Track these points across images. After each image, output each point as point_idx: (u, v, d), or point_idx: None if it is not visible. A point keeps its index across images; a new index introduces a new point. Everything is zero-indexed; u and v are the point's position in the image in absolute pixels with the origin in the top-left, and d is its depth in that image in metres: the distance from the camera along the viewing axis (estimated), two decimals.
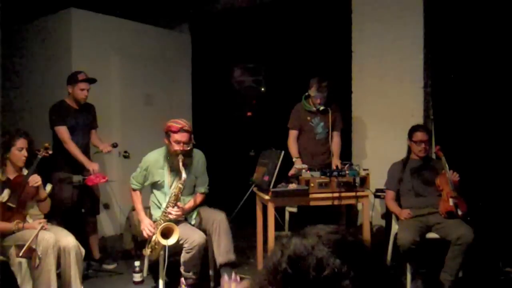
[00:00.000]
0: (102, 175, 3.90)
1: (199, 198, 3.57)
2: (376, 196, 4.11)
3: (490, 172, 3.85)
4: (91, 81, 4.05)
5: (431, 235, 3.39)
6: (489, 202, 3.78)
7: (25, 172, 3.27)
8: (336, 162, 3.97)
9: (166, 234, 3.20)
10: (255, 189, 3.68)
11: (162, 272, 3.37)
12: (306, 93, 4.17)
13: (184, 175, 3.25)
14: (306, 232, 0.82)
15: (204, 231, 3.44)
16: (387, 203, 3.74)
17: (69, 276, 3.06)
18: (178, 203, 3.32)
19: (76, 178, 3.89)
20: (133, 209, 3.67)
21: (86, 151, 4.07)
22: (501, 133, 3.88)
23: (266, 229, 3.40)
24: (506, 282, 3.48)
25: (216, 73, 5.83)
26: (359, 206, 3.95)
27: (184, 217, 3.45)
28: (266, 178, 3.38)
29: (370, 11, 4.60)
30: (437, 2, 4.21)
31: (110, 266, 4.11)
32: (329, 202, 3.41)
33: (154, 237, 3.29)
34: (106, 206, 4.86)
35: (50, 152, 3.41)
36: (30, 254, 2.91)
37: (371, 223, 3.98)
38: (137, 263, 3.71)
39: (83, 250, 3.22)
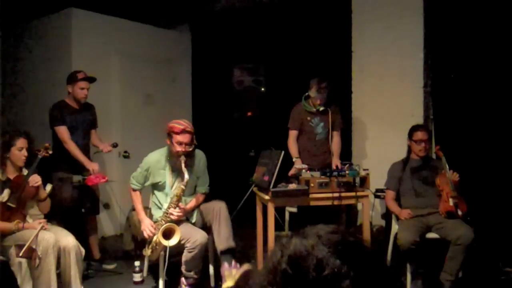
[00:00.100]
0: (102, 175, 3.90)
1: (200, 198, 3.58)
2: (376, 196, 4.11)
3: (490, 172, 3.85)
4: (91, 80, 4.04)
5: (431, 235, 3.39)
6: (489, 202, 3.78)
7: (25, 172, 3.27)
8: (336, 162, 3.97)
9: (167, 234, 3.21)
10: (255, 189, 3.68)
11: (162, 272, 3.37)
12: (306, 94, 4.17)
13: (186, 176, 3.25)
14: (306, 232, 0.82)
15: (206, 224, 3.47)
16: (387, 203, 3.74)
17: (69, 276, 3.07)
18: (180, 204, 3.32)
19: (76, 178, 3.88)
20: (133, 209, 3.67)
21: (86, 151, 4.07)
22: (501, 133, 3.88)
23: (266, 229, 3.40)
24: (506, 282, 3.48)
25: (216, 73, 5.84)
26: (359, 206, 3.95)
27: (185, 217, 3.45)
28: (266, 178, 3.38)
29: (370, 11, 4.60)
30: (437, 2, 4.21)
31: (110, 266, 4.11)
32: (329, 202, 3.41)
33: (155, 238, 3.29)
34: (106, 206, 4.85)
35: (50, 152, 3.41)
36: (30, 254, 2.91)
37: (371, 223, 3.98)
38: (137, 263, 3.71)
39: (83, 250, 3.22)
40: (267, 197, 3.33)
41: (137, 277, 3.70)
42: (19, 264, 2.97)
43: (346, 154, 4.49)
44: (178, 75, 6.05)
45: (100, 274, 3.96)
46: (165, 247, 3.20)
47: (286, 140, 4.23)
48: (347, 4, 4.71)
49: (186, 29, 6.20)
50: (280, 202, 3.50)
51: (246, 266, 1.44)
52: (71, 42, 4.91)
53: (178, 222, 3.30)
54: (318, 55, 4.89)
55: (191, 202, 3.49)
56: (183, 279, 3.33)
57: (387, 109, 4.50)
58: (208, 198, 3.67)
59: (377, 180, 3.86)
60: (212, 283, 3.61)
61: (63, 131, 3.91)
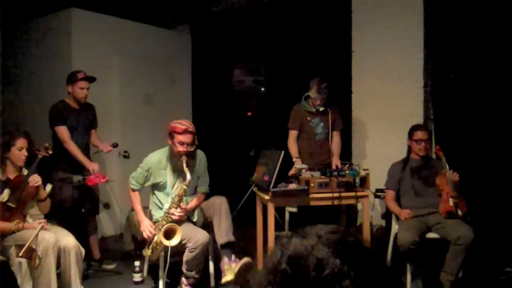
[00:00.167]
0: (102, 175, 3.90)
1: (200, 198, 3.58)
2: (376, 196, 4.11)
3: (490, 172, 3.85)
4: (91, 79, 4.04)
5: (431, 235, 3.39)
6: (489, 202, 3.78)
7: (25, 172, 3.27)
8: (336, 162, 3.97)
9: (168, 235, 3.21)
10: (255, 189, 3.68)
11: (162, 272, 3.37)
12: (306, 94, 4.17)
13: (188, 176, 3.25)
14: (306, 232, 0.81)
15: (207, 219, 3.48)
16: (387, 203, 3.74)
17: (69, 276, 3.07)
18: (181, 204, 3.32)
19: (76, 178, 3.88)
20: (133, 209, 3.67)
21: (86, 151, 4.07)
22: (501, 133, 3.88)
23: (266, 229, 3.40)
24: (506, 282, 3.48)
25: (216, 73, 5.83)
26: (359, 206, 3.95)
27: (186, 217, 3.46)
28: (266, 178, 3.38)
29: (370, 11, 4.60)
30: (437, 2, 4.21)
31: (110, 266, 4.11)
32: (329, 202, 3.41)
33: (155, 238, 3.29)
34: (106, 206, 4.85)
35: (50, 152, 3.41)
36: (30, 254, 2.91)
37: (371, 223, 3.98)
38: (137, 263, 3.71)
39: (83, 250, 3.22)
40: (267, 197, 3.33)
41: (137, 277, 3.70)
42: (19, 264, 2.97)
43: (346, 154, 4.49)
44: (178, 75, 6.05)
45: (100, 274, 3.96)
46: (166, 247, 3.20)
47: (286, 140, 4.23)
48: (347, 4, 4.71)
49: (186, 29, 6.20)
50: (280, 202, 3.50)
51: (245, 260, 1.44)
52: (71, 42, 4.91)
53: (179, 222, 3.31)
54: (318, 55, 4.88)
55: (192, 202, 3.49)
56: (183, 279, 3.33)
57: (387, 109, 4.50)
58: (208, 198, 3.67)
59: (377, 180, 3.86)
60: (212, 283, 3.61)
61: (63, 131, 3.91)
